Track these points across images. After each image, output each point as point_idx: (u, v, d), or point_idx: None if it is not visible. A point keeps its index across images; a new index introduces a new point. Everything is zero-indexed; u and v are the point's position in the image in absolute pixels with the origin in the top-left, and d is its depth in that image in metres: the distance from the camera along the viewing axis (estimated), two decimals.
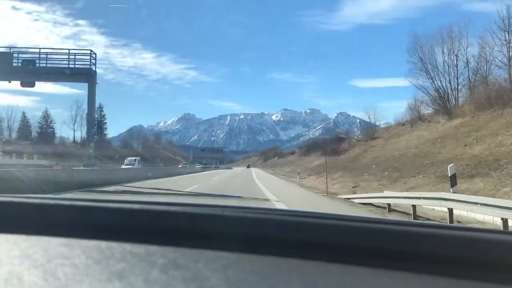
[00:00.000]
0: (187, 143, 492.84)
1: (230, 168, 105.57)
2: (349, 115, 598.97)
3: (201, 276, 0.91)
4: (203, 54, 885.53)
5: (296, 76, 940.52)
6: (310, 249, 1.07)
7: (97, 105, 44.01)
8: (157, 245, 1.08)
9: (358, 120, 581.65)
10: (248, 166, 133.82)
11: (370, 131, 61.65)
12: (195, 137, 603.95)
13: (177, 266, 0.96)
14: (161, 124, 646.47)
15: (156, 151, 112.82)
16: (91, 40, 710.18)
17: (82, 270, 0.92)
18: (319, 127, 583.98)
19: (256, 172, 64.27)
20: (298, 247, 1.07)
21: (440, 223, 2.40)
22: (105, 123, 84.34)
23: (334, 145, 58.68)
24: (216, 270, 0.94)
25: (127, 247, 1.07)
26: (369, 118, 65.37)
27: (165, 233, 1.15)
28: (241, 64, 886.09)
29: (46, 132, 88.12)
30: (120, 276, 0.89)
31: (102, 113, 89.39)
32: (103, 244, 1.09)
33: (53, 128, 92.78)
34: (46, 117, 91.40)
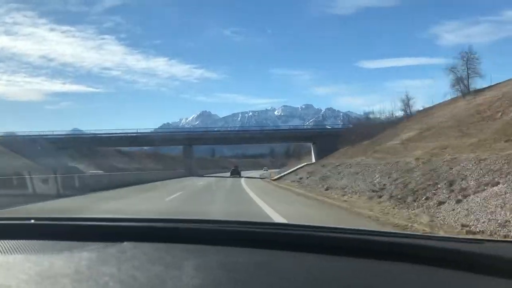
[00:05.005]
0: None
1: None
2: (334, 110, 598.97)
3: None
4: (209, 55, 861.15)
5: (296, 67, 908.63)
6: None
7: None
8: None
9: (341, 114, 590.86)
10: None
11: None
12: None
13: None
14: (183, 120, 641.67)
15: None
16: (112, 49, 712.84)
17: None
18: (312, 120, 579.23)
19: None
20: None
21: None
22: None
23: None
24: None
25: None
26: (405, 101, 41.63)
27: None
28: (245, 60, 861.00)
29: None
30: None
31: None
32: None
33: None
34: None
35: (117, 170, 39.61)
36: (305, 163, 51.15)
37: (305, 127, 60.98)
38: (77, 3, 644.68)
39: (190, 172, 49.44)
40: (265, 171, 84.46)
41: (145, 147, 63.39)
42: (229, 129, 75.18)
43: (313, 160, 52.49)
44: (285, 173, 46.83)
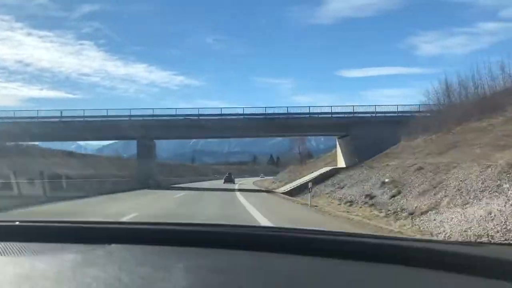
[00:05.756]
0: (190, 143, 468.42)
1: None
2: None
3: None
4: (189, 62, 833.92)
5: (277, 75, 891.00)
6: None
7: None
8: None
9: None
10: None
11: None
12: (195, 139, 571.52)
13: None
14: None
15: None
16: (91, 55, 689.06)
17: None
18: None
19: None
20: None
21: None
22: None
23: None
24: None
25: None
26: None
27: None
28: (226, 68, 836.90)
29: None
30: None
31: None
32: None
33: None
34: None
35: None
36: (331, 167, 33.08)
37: (336, 110, 31.24)
38: (55, 8, 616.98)
39: (147, 182, 28.95)
40: (261, 178, 66.55)
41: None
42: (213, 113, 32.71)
43: (342, 162, 32.82)
44: (298, 182, 31.94)
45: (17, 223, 1.26)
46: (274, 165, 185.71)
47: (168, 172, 54.67)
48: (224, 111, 32.77)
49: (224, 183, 44.19)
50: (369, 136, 28.82)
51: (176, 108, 34.60)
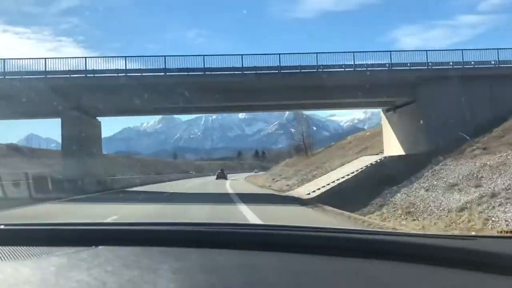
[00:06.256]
0: (171, 141, 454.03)
1: None
2: (298, 112, 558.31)
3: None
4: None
5: None
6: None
7: None
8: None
9: (305, 116, 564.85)
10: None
11: None
12: (177, 135, 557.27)
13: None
14: (145, 125, 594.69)
15: None
16: (70, 52, 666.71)
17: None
18: (276, 122, 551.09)
19: None
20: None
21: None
22: None
23: None
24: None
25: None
26: None
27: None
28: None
29: None
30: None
31: None
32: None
33: None
34: None
35: None
36: (382, 156, 22.66)
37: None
38: (31, 4, 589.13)
39: (81, 183, 16.48)
40: (255, 173, 61.35)
41: None
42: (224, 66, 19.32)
43: (396, 147, 21.06)
44: (329, 181, 20.15)
45: (1, 226, 1.23)
46: (260, 159, 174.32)
47: (140, 169, 46.98)
48: (245, 62, 18.93)
49: (216, 179, 44.25)
50: (453, 103, 16.87)
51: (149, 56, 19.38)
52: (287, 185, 26.22)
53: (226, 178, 44.88)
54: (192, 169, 79.53)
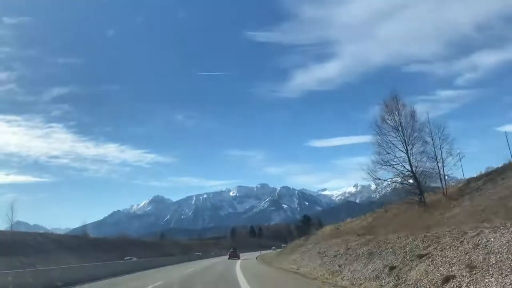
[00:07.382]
0: (161, 223, 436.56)
1: None
2: (289, 188, 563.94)
3: None
4: (160, 140, 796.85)
5: (249, 148, 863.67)
6: None
7: None
8: None
9: (296, 191, 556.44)
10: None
11: None
12: (168, 216, 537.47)
13: None
14: (134, 207, 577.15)
15: None
16: (61, 137, 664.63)
17: None
18: (268, 199, 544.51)
19: None
20: None
21: None
22: None
23: None
24: None
25: None
26: None
27: None
28: (198, 143, 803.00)
29: None
30: None
31: None
32: None
33: None
34: None
35: None
36: None
37: None
38: (24, 93, 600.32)
39: None
40: (273, 250, 58.43)
41: None
42: None
43: None
44: None
45: None
46: (257, 237, 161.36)
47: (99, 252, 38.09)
48: None
49: (228, 259, 44.32)
50: None
51: None
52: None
53: (238, 258, 44.93)
54: (179, 252, 69.36)
